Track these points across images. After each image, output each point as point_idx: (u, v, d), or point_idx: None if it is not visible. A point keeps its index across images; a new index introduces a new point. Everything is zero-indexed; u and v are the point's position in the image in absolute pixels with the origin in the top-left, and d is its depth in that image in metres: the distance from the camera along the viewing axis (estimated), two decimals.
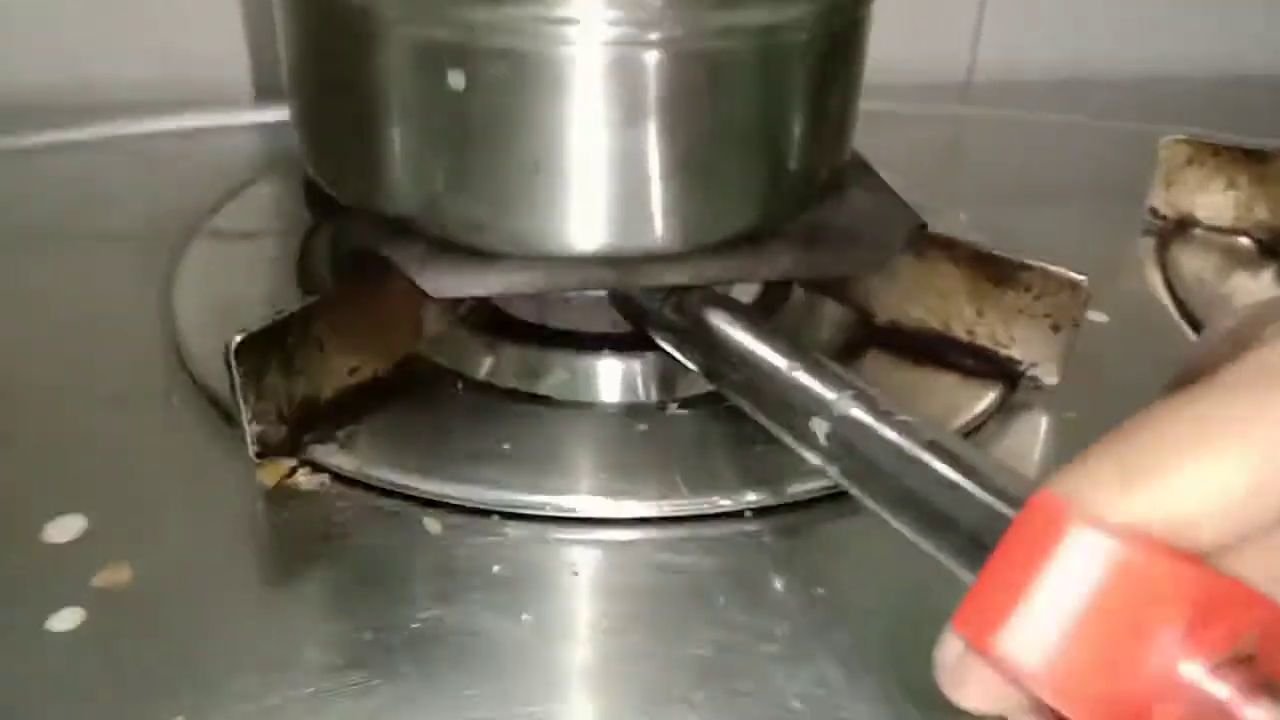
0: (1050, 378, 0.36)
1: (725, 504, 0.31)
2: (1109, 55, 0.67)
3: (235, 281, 0.40)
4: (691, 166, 0.32)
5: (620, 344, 0.37)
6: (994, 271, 0.36)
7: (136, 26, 0.56)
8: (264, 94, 0.58)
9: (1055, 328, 0.35)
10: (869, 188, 0.39)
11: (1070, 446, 0.34)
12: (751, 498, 0.31)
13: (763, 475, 0.32)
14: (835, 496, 0.31)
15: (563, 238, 0.33)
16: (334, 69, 0.33)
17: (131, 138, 0.52)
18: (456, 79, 0.30)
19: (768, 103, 0.33)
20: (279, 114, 0.43)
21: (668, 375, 0.36)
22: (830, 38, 0.34)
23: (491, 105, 0.31)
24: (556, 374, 0.36)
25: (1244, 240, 0.47)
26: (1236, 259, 0.47)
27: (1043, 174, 0.55)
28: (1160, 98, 0.64)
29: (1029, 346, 0.36)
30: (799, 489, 0.31)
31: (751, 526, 0.31)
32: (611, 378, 0.36)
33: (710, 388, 0.35)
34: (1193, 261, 0.47)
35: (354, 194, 0.35)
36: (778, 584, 0.29)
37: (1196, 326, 0.41)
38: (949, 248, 0.36)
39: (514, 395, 0.35)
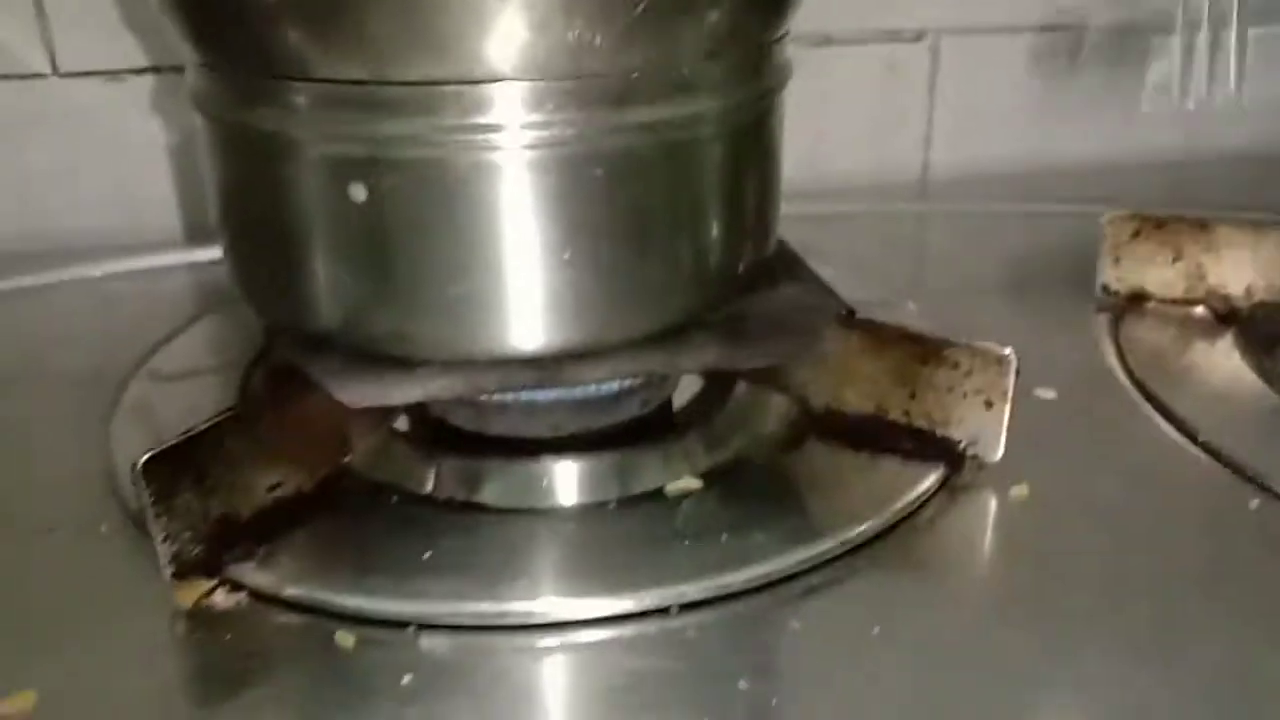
0: (991, 454, 0.35)
1: (649, 602, 0.30)
2: (1058, 145, 0.68)
3: (175, 414, 0.40)
4: (604, 264, 0.32)
5: (559, 447, 0.36)
6: (921, 351, 0.35)
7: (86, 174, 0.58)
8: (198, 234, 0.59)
9: (988, 404, 0.35)
10: (797, 278, 0.40)
11: (1018, 523, 0.34)
12: (678, 591, 0.30)
13: (685, 572, 0.31)
14: (767, 587, 0.31)
15: (480, 342, 0.33)
16: (251, 195, 0.34)
17: (77, 282, 0.53)
18: (357, 191, 0.31)
19: (679, 198, 0.34)
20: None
21: (608, 478, 0.36)
22: (738, 131, 0.35)
23: (396, 216, 0.31)
24: (493, 481, 0.36)
25: (1199, 310, 0.47)
26: (1193, 330, 0.46)
27: (996, 263, 0.55)
28: (1108, 180, 0.64)
29: (965, 425, 0.35)
30: (717, 583, 0.31)
31: (675, 623, 0.30)
32: (551, 481, 0.36)
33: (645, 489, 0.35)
34: (1148, 335, 0.46)
35: (278, 315, 0.35)
36: (700, 682, 0.28)
37: (1150, 398, 0.41)
38: (875, 331, 0.36)
39: (446, 505, 0.35)
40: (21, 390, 0.44)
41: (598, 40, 0.29)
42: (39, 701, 0.27)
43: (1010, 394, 0.34)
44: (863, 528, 0.33)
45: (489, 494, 0.35)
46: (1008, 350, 0.34)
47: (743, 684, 0.27)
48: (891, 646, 0.29)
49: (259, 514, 0.32)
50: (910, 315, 0.47)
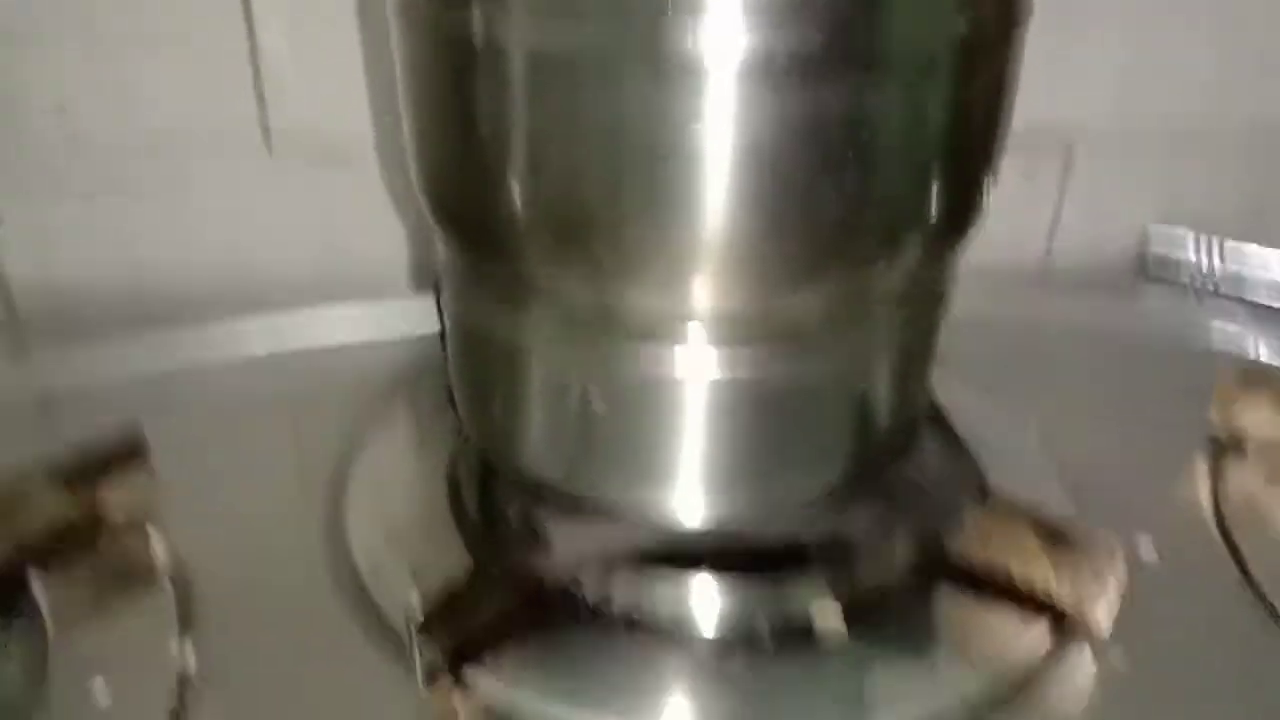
0: (1100, 629, 0.41)
1: None
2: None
3: (396, 499, 0.48)
4: (779, 456, 0.39)
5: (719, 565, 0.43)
6: (1045, 531, 0.41)
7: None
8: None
9: (1100, 582, 0.40)
10: (942, 440, 0.45)
11: (1117, 694, 0.40)
12: None
13: None
14: None
15: (671, 516, 0.40)
16: (494, 377, 0.40)
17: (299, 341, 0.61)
18: (599, 405, 0.37)
19: (848, 394, 0.40)
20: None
21: (763, 598, 0.42)
22: (907, 328, 0.40)
23: (615, 420, 0.38)
24: (665, 594, 0.43)
25: None
26: None
27: (1111, 379, 0.60)
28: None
29: (1079, 600, 0.41)
30: None
31: None
32: (716, 599, 0.42)
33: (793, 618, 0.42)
34: (1244, 480, 0.51)
35: (500, 458, 0.42)
36: None
37: (1242, 564, 0.46)
38: (1008, 507, 0.42)
39: (627, 624, 0.42)
40: (257, 446, 0.52)
41: (798, 310, 0.35)
42: None
43: (1119, 579, 0.40)
44: (985, 690, 0.39)
45: (660, 604, 0.43)
46: (1119, 545, 0.40)
47: None
48: None
49: (485, 629, 0.40)
50: (1032, 458, 0.52)
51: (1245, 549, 0.46)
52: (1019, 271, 0.71)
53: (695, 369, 0.36)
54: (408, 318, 0.61)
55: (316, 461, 0.51)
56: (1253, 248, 0.69)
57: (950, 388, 0.56)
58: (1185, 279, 0.71)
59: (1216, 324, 0.66)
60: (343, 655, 0.41)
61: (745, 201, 0.33)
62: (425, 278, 0.65)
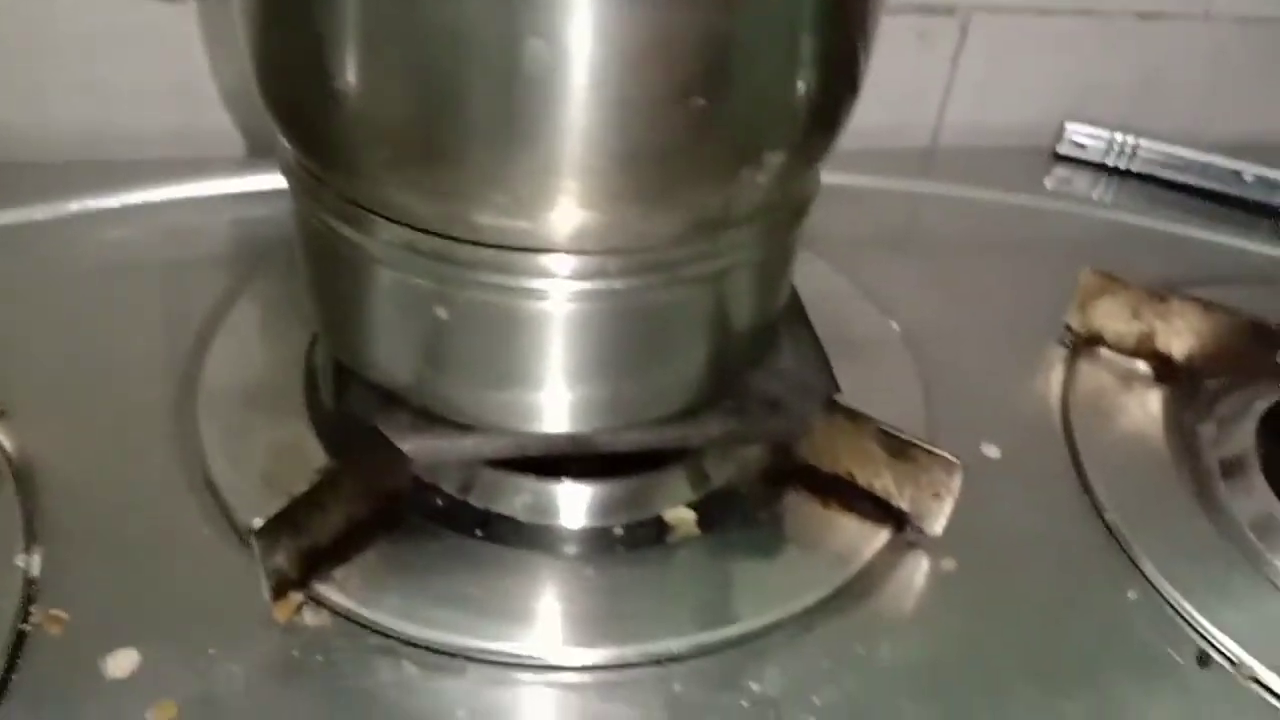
0: (933, 531, 0.43)
1: (643, 655, 0.39)
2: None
3: (251, 387, 0.47)
4: (635, 374, 0.39)
5: (578, 470, 0.44)
6: (890, 444, 0.42)
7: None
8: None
9: (936, 495, 0.42)
10: (797, 341, 0.46)
11: (948, 592, 0.42)
12: (666, 647, 0.39)
13: (673, 626, 0.39)
14: (739, 644, 0.39)
15: (528, 422, 0.40)
16: (335, 274, 0.39)
17: (141, 208, 0.58)
18: (441, 312, 0.36)
19: (706, 321, 0.40)
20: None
21: (617, 502, 0.44)
22: (768, 260, 0.40)
23: (464, 330, 0.37)
24: (520, 497, 0.44)
25: (1142, 365, 0.53)
26: (1133, 380, 0.53)
27: (981, 266, 0.61)
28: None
29: (916, 504, 0.43)
30: (697, 640, 0.39)
31: (661, 673, 0.38)
32: (569, 502, 0.43)
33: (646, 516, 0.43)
34: (1095, 376, 0.53)
35: (352, 361, 0.42)
36: None
37: (1077, 463, 0.48)
38: (855, 418, 0.43)
39: (482, 523, 0.43)
40: (105, 339, 0.50)
41: (652, 226, 0.34)
42: (179, 711, 0.36)
43: (955, 494, 0.42)
44: (821, 592, 0.41)
45: (517, 508, 0.43)
46: (959, 462, 0.41)
47: None
48: (825, 710, 0.37)
49: (337, 539, 0.40)
50: (891, 340, 0.54)
51: (1084, 449, 0.49)
52: (905, 154, 0.70)
53: (546, 284, 0.35)
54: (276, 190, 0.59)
55: (169, 348, 0.50)
56: (1145, 135, 0.70)
57: (819, 276, 0.56)
58: (1080, 164, 0.71)
59: (1101, 215, 0.67)
60: (194, 560, 0.40)
61: (595, 121, 0.31)
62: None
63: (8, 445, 0.44)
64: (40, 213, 0.57)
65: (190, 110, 0.62)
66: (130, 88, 0.61)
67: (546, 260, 0.35)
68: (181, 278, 0.55)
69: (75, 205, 0.58)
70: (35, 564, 0.40)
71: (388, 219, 0.35)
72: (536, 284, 0.35)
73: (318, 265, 0.40)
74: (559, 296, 0.35)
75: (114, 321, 0.52)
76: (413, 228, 0.35)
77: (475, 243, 0.34)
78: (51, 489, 0.43)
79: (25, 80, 0.59)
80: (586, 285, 0.35)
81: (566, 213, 0.33)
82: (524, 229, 0.33)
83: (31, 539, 0.40)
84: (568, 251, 0.34)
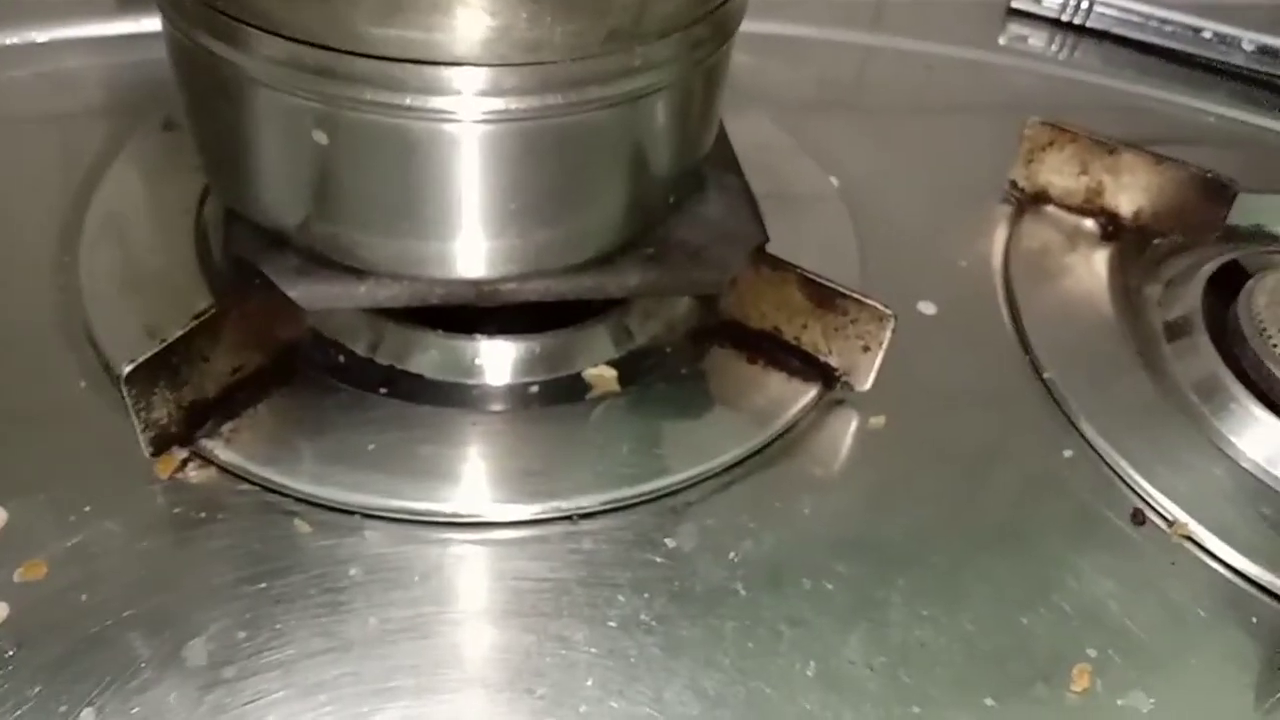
0: (861, 385, 0.41)
1: (554, 509, 0.36)
2: None
3: (137, 241, 0.44)
4: (546, 211, 0.36)
5: (493, 326, 0.41)
6: (817, 295, 0.40)
7: None
8: None
9: (865, 348, 0.40)
10: (725, 190, 0.43)
11: (875, 448, 0.40)
12: (578, 503, 0.37)
13: (588, 482, 0.37)
14: (656, 500, 0.37)
15: (426, 266, 0.37)
16: (213, 104, 0.35)
17: (22, 49, 0.53)
18: (319, 136, 0.33)
19: (624, 151, 0.36)
20: None
21: (534, 359, 0.41)
22: (688, 85, 0.37)
23: (354, 158, 0.34)
24: (429, 354, 0.41)
25: (1089, 222, 0.51)
26: (1079, 240, 0.51)
27: (926, 123, 0.58)
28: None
29: (844, 358, 0.41)
30: (613, 496, 0.37)
31: (574, 529, 0.36)
32: (483, 359, 0.41)
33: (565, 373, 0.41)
34: (1039, 233, 0.51)
35: (238, 205, 0.38)
36: (625, 581, 0.34)
37: (1016, 320, 0.46)
38: (782, 268, 0.40)
39: (386, 381, 0.40)
40: None
41: (554, 31, 0.31)
42: (50, 569, 0.33)
43: (885, 345, 0.39)
44: (742, 449, 0.39)
45: (425, 365, 0.41)
46: (889, 311, 0.39)
47: (620, 598, 0.34)
48: (742, 566, 0.36)
49: (224, 392, 0.37)
50: (833, 192, 0.51)
51: (1024, 308, 0.46)
52: (851, 5, 0.66)
53: (440, 102, 0.32)
54: None
55: (51, 198, 0.46)
56: None
57: (756, 129, 0.53)
58: (1034, 18, 0.68)
59: (1055, 72, 0.64)
60: (71, 416, 0.38)
61: None
62: None
63: None
64: None
65: None
66: None
67: (436, 73, 0.31)
68: (65, 124, 0.50)
69: None
70: None
71: (261, 29, 0.31)
72: (427, 102, 0.32)
73: (194, 93, 0.36)
74: (453, 117, 0.32)
75: None
76: (288, 38, 0.31)
77: (356, 53, 0.31)
78: None
79: None
80: (484, 104, 0.32)
81: (457, 15, 0.29)
82: (409, 36, 0.30)
83: None
84: (461, 63, 0.31)
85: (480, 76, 0.31)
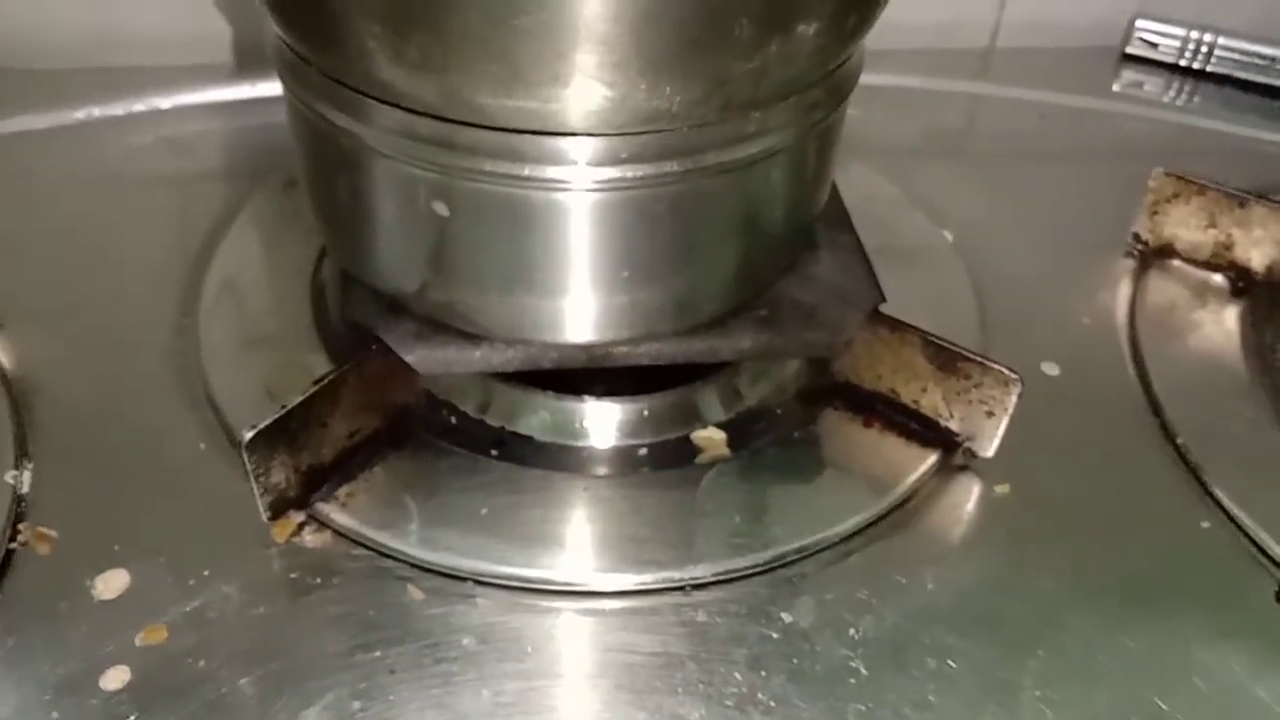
0: (985, 451, 0.39)
1: (665, 580, 0.36)
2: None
3: (254, 302, 0.45)
4: (659, 277, 0.35)
5: (601, 388, 0.41)
6: (939, 357, 0.39)
7: None
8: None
9: (989, 414, 0.38)
10: (838, 247, 0.42)
11: (999, 518, 0.38)
12: (692, 574, 0.36)
13: (700, 551, 0.36)
14: (770, 570, 0.36)
15: (540, 331, 0.36)
16: (334, 173, 0.36)
17: (148, 116, 0.55)
18: (439, 207, 0.33)
19: (738, 216, 0.36)
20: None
21: (642, 421, 0.40)
22: (802, 150, 0.36)
23: (471, 227, 0.34)
24: (539, 415, 0.41)
25: (1217, 277, 0.49)
26: (1207, 294, 0.49)
27: (1042, 176, 0.56)
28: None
29: (966, 423, 0.39)
30: (727, 566, 0.36)
31: (687, 600, 0.35)
32: (591, 421, 0.40)
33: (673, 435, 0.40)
34: (1166, 289, 0.49)
35: (354, 267, 0.39)
36: (741, 658, 0.33)
37: (1145, 382, 0.44)
38: (902, 329, 0.39)
39: (497, 443, 0.40)
40: (107, 252, 0.48)
41: (673, 101, 0.30)
42: (170, 634, 0.33)
43: (1011, 411, 0.38)
44: (859, 518, 0.38)
45: (535, 427, 0.40)
46: (1015, 375, 0.37)
47: (736, 675, 0.33)
48: (862, 644, 0.34)
49: (340, 456, 0.37)
50: (947, 250, 0.49)
51: (1153, 368, 0.44)
52: (961, 54, 0.65)
53: (556, 172, 0.32)
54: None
55: (171, 260, 0.47)
56: (1222, 32, 0.64)
57: (865, 182, 0.52)
58: (1151, 64, 0.65)
59: (1173, 119, 0.62)
60: (190, 478, 0.38)
61: None
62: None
63: (3, 358, 0.42)
64: (43, 121, 0.54)
65: (195, 12, 0.58)
66: None
67: (555, 144, 0.31)
68: (186, 187, 0.52)
69: (81, 114, 0.55)
70: (25, 480, 0.38)
71: (380, 101, 0.32)
72: (545, 172, 0.31)
73: (314, 161, 0.37)
74: (570, 186, 0.32)
75: (116, 233, 0.49)
76: (408, 110, 0.31)
77: (475, 125, 0.31)
78: (45, 403, 0.41)
79: None
80: (600, 173, 0.32)
81: (572, 86, 0.29)
82: (526, 107, 0.30)
83: (23, 454, 0.38)
84: (578, 134, 0.31)
85: (598, 146, 0.31)
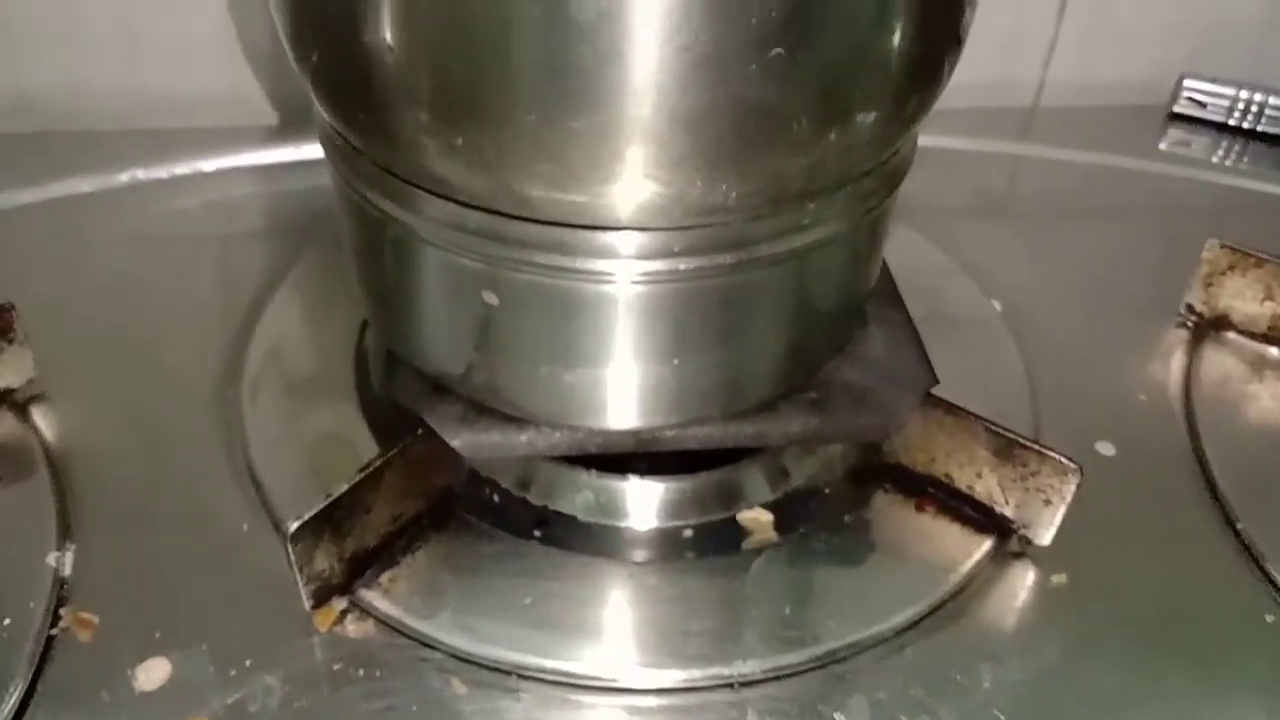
0: (1042, 540, 0.38)
1: (713, 676, 0.35)
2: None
3: (298, 372, 0.44)
4: (708, 365, 0.35)
5: (644, 465, 0.40)
6: (996, 443, 0.38)
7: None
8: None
9: (1047, 502, 0.37)
10: (888, 324, 0.41)
11: (1056, 610, 0.37)
12: (740, 671, 0.35)
13: (748, 646, 0.35)
14: (823, 667, 0.35)
15: (587, 416, 0.36)
16: (380, 256, 0.35)
17: (200, 178, 0.55)
18: (489, 296, 0.33)
19: (789, 303, 0.35)
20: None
21: (685, 500, 0.40)
22: (855, 237, 0.36)
23: (518, 315, 0.33)
24: (582, 494, 0.40)
25: (1274, 351, 0.48)
26: (1265, 367, 0.47)
27: (1094, 226, 0.55)
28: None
29: (1023, 511, 0.38)
30: (776, 663, 0.35)
31: (735, 698, 0.34)
32: (635, 501, 0.40)
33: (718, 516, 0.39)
34: (1221, 363, 0.48)
35: (399, 347, 0.38)
36: None
37: (1202, 463, 0.43)
38: (955, 412, 0.38)
39: (540, 523, 0.39)
40: (151, 317, 0.48)
41: (728, 196, 0.30)
42: None
43: (1069, 500, 0.37)
44: (913, 610, 0.37)
45: (578, 506, 0.40)
46: (1074, 465, 0.36)
47: None
48: None
49: (383, 541, 0.37)
50: (992, 321, 0.49)
51: (1210, 448, 0.43)
52: (1005, 114, 0.64)
53: (606, 265, 0.31)
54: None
55: (215, 328, 0.47)
56: (1273, 91, 0.63)
57: (911, 247, 0.52)
58: (1199, 123, 0.64)
59: (1223, 180, 0.61)
60: (233, 560, 0.38)
61: (657, 77, 0.27)
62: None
63: (45, 431, 0.42)
64: (87, 184, 0.55)
65: (238, 74, 0.59)
66: (171, 48, 0.58)
67: (605, 238, 0.30)
68: (230, 251, 0.52)
69: (125, 176, 0.55)
70: (68, 562, 0.37)
71: (430, 193, 0.32)
72: (595, 265, 0.31)
73: (360, 242, 0.37)
74: (620, 279, 0.31)
75: (160, 297, 0.49)
76: (457, 202, 0.31)
77: (526, 219, 0.30)
78: (88, 478, 0.40)
79: (63, 48, 0.57)
80: (650, 266, 0.31)
81: (626, 184, 0.29)
82: (579, 203, 0.29)
83: (65, 535, 0.38)
84: (628, 228, 0.30)
85: (649, 240, 0.31)
